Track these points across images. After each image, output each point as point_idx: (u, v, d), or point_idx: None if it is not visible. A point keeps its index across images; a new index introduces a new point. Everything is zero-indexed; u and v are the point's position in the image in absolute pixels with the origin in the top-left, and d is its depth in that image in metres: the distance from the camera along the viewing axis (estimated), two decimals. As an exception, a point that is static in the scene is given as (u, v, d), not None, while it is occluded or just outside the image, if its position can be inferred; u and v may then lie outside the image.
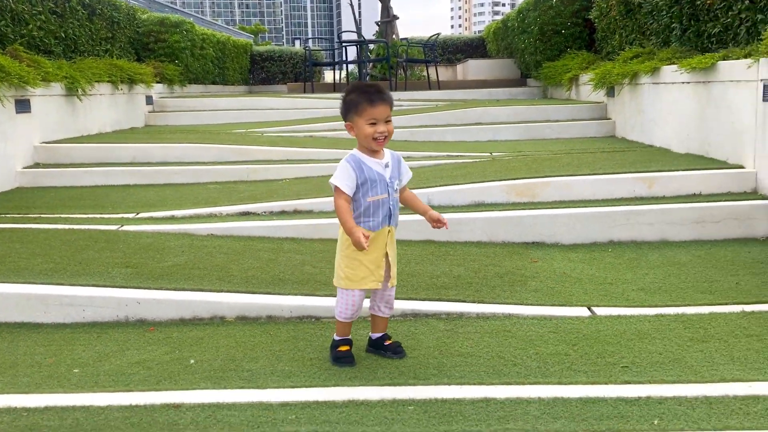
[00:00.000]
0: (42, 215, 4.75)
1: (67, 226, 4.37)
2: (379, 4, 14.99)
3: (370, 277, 2.61)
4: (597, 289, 3.50)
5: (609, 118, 7.73)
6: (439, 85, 11.96)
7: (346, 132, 2.67)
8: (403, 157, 2.81)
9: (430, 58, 12.89)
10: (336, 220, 2.65)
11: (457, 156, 6.18)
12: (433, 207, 3.47)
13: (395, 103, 5.29)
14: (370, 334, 2.84)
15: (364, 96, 2.55)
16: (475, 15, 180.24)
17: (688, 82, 5.57)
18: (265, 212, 4.72)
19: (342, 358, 2.70)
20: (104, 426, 2.26)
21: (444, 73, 14.95)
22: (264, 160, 6.29)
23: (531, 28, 10.52)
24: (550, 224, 4.36)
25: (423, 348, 2.84)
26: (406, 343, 2.87)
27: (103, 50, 8.97)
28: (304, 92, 12.05)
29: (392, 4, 14.40)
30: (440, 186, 4.81)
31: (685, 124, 5.70)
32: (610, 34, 8.53)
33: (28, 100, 6.08)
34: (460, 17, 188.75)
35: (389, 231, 2.65)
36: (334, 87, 12.90)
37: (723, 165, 4.96)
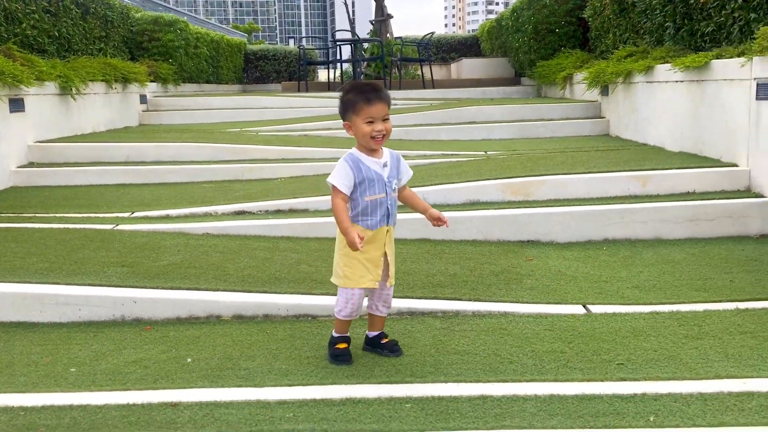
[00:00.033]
0: (37, 214, 4.74)
1: (62, 226, 4.36)
2: (373, 3, 14.97)
3: (368, 276, 2.62)
4: (592, 287, 3.51)
5: (603, 117, 7.76)
6: (434, 84, 11.97)
7: (341, 131, 2.68)
8: (398, 156, 2.82)
9: (425, 57, 12.90)
10: (332, 219, 2.66)
11: (452, 155, 6.19)
12: (428, 205, 3.48)
13: (390, 102, 5.30)
14: (366, 332, 2.84)
15: (361, 95, 2.55)
16: (468, 14, 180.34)
17: (682, 81, 5.60)
18: (260, 211, 4.72)
19: (339, 356, 2.71)
20: (102, 425, 2.27)
21: (438, 72, 14.95)
22: (259, 159, 6.29)
23: (525, 27, 10.54)
24: (545, 223, 4.37)
25: (419, 346, 2.85)
26: (403, 341, 2.88)
27: (97, 49, 8.95)
28: (299, 91, 12.04)
29: (386, 2, 14.37)
30: (435, 185, 4.82)
31: (679, 122, 5.72)
32: (604, 33, 8.56)
33: (22, 99, 6.06)
34: (453, 16, 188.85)
35: (388, 230, 2.66)
36: (328, 86, 12.90)
37: (716, 163, 4.99)
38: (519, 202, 4.71)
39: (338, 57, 12.64)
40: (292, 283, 3.47)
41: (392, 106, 3.22)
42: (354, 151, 2.65)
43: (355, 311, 2.67)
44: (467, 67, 13.98)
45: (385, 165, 2.64)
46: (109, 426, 2.26)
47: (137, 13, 10.96)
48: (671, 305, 3.23)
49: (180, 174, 5.96)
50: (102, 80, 7.85)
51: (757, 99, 4.52)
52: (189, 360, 2.78)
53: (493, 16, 15.89)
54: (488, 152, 6.20)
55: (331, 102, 9.17)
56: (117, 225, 4.40)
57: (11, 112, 5.88)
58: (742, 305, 3.20)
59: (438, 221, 2.72)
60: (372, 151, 2.63)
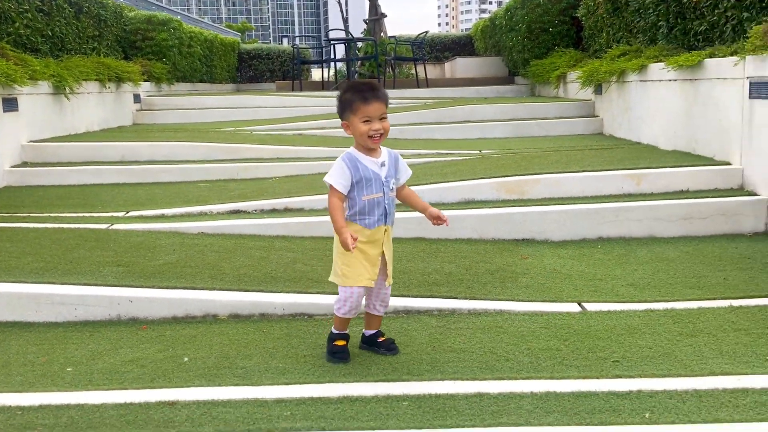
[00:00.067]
0: (31, 214, 4.73)
1: (57, 225, 4.36)
2: (367, 2, 14.97)
3: (365, 275, 2.62)
4: (587, 285, 3.53)
5: (597, 116, 7.78)
6: (428, 83, 11.98)
7: (336, 130, 2.70)
8: (393, 156, 2.82)
9: (419, 56, 12.91)
10: (328, 219, 2.66)
11: (447, 154, 6.20)
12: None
13: (385, 101, 5.31)
14: (363, 330, 2.85)
15: (358, 94, 2.56)
16: (462, 13, 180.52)
17: (675, 80, 5.63)
18: (255, 210, 4.72)
19: (337, 353, 2.72)
20: (100, 424, 2.27)
21: (432, 71, 14.96)
22: (254, 159, 6.28)
23: (519, 26, 10.56)
24: (540, 221, 4.39)
25: (416, 344, 2.86)
26: (399, 339, 2.89)
27: (91, 48, 8.92)
28: (293, 90, 12.03)
29: (380, 2, 14.38)
30: (430, 184, 4.83)
31: (673, 121, 5.75)
32: (598, 32, 8.58)
33: (16, 99, 6.04)
34: (447, 15, 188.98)
35: (386, 230, 2.67)
36: (322, 85, 12.90)
37: (710, 162, 5.01)
38: (514, 201, 4.72)
39: (332, 56, 12.62)
40: (288, 282, 3.48)
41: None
42: (352, 150, 2.65)
43: (354, 309, 2.68)
44: (461, 66, 14.00)
45: (382, 164, 2.64)
46: (107, 425, 2.26)
47: (130, 12, 10.93)
48: (666, 303, 3.25)
49: (174, 173, 5.95)
50: (95, 79, 7.83)
51: (750, 97, 4.54)
52: (186, 359, 2.78)
53: (486, 16, 15.91)
54: (483, 151, 6.21)
55: (325, 101, 9.17)
56: (112, 224, 4.40)
57: (5, 111, 5.86)
58: (736, 303, 3.23)
59: (438, 220, 2.73)
60: (370, 151, 2.63)
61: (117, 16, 10.11)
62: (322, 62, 13.42)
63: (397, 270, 3.65)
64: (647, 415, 2.22)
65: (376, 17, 14.18)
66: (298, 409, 2.33)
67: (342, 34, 13.19)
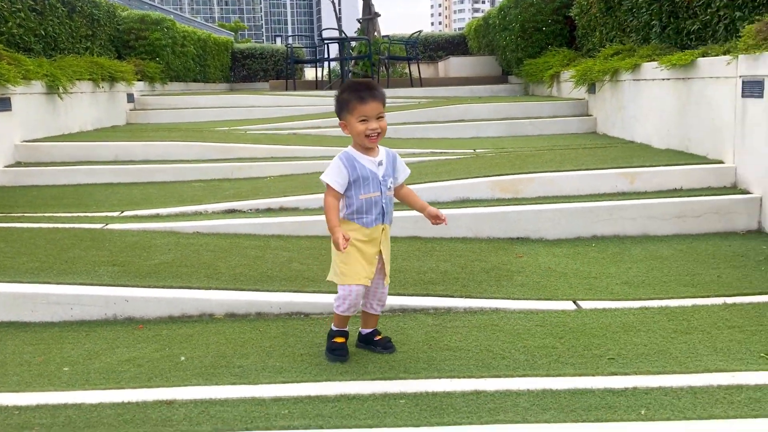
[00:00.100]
0: (25, 214, 4.72)
1: (51, 225, 4.35)
2: (360, 2, 14.97)
3: (362, 273, 2.63)
4: (582, 283, 3.55)
5: (590, 115, 7.81)
6: (421, 83, 11.98)
7: (330, 129, 2.70)
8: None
9: (412, 56, 12.91)
10: (323, 218, 2.67)
11: (441, 153, 6.22)
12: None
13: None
14: (360, 329, 2.86)
15: (355, 94, 2.57)
16: (455, 12, 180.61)
17: (668, 79, 5.65)
18: (250, 210, 4.72)
19: (336, 350, 2.73)
20: (97, 423, 2.27)
21: (426, 70, 14.98)
22: (248, 158, 6.28)
23: (512, 26, 10.58)
24: (535, 220, 4.41)
25: (412, 343, 2.87)
26: (396, 338, 2.90)
27: (84, 48, 8.89)
28: (287, 90, 12.02)
29: (373, 1, 14.38)
30: (425, 183, 4.83)
31: (666, 120, 5.78)
32: (591, 32, 8.61)
33: (9, 99, 6.02)
34: (440, 14, 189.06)
35: (383, 229, 2.68)
36: (316, 84, 12.89)
37: (703, 160, 5.04)
38: (508, 200, 4.74)
39: (326, 55, 12.62)
40: (283, 281, 3.48)
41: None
42: (349, 149, 2.66)
43: (353, 307, 2.68)
44: (455, 65, 14.01)
45: (380, 163, 2.65)
46: (104, 424, 2.26)
47: (124, 12, 10.90)
48: (660, 300, 3.27)
49: (169, 173, 5.95)
50: (89, 79, 7.81)
51: (742, 96, 4.57)
52: (183, 358, 2.79)
53: (479, 15, 15.93)
54: (477, 150, 6.23)
55: (319, 100, 9.17)
56: (107, 224, 4.39)
57: (-2, 111, 5.84)
58: (729, 300, 3.25)
59: (437, 219, 2.74)
60: (367, 150, 2.64)
61: (110, 16, 10.09)
62: (315, 61, 13.41)
63: (393, 269, 3.65)
64: (643, 412, 2.24)
65: (369, 16, 14.17)
66: (295, 407, 2.34)
67: (335, 34, 13.18)
